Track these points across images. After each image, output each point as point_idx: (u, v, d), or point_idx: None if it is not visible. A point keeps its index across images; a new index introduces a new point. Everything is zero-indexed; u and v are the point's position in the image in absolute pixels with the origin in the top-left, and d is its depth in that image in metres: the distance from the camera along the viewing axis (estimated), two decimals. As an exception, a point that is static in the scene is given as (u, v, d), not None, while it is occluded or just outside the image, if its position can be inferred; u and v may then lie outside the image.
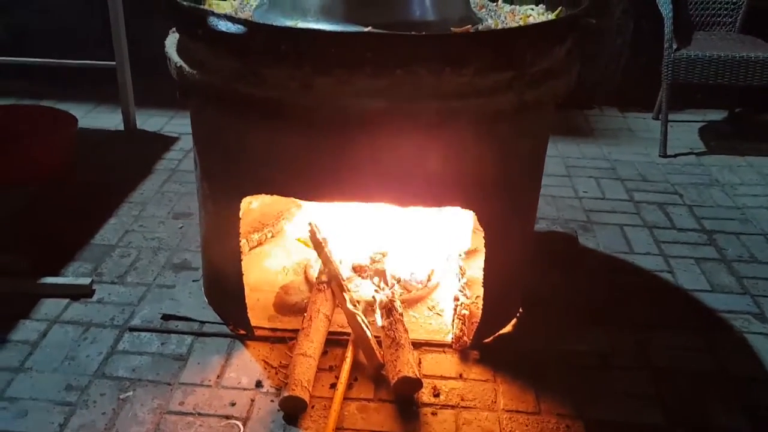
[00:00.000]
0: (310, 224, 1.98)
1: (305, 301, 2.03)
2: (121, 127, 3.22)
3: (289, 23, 1.57)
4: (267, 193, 1.60)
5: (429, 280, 2.06)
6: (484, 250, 1.71)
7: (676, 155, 3.20)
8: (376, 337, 1.81)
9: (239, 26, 1.37)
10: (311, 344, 1.75)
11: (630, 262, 2.35)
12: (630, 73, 3.73)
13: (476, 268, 2.19)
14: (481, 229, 1.70)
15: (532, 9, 1.90)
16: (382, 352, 1.78)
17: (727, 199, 2.80)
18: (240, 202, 1.64)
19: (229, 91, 1.46)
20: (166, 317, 1.94)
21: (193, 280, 2.10)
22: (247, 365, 1.79)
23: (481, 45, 1.38)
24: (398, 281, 1.99)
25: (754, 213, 2.69)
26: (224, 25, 1.38)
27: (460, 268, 2.11)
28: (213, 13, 1.42)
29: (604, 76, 3.72)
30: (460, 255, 2.15)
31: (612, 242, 2.45)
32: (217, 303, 1.94)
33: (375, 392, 1.72)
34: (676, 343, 1.95)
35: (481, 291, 2.05)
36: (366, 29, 1.51)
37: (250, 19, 1.67)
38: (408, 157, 1.49)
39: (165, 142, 3.10)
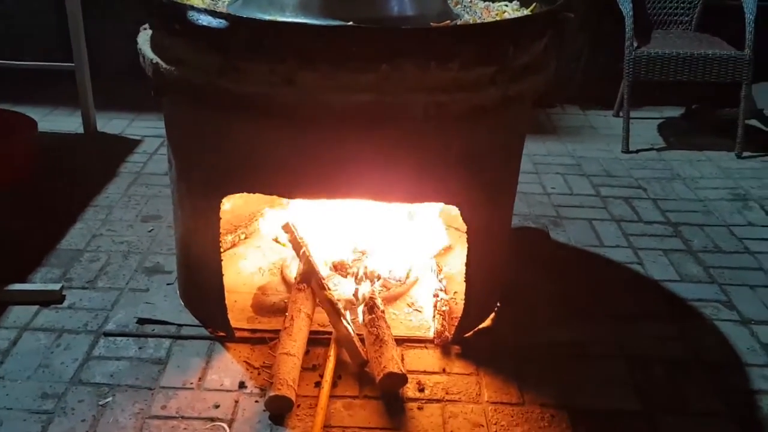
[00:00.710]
0: (287, 224, 1.96)
1: (284, 301, 2.01)
2: (81, 130, 3.14)
3: (267, 18, 1.55)
4: (249, 192, 1.58)
5: (407, 277, 2.06)
6: (464, 246, 1.72)
7: (638, 151, 3.27)
8: (358, 334, 1.80)
9: (221, 20, 1.35)
10: (294, 343, 1.73)
11: (601, 255, 2.39)
12: (590, 72, 3.80)
13: (452, 265, 2.21)
14: (456, 226, 1.72)
15: (506, 5, 1.92)
16: (365, 349, 1.78)
17: (689, 192, 2.87)
18: (220, 201, 1.61)
19: (210, 87, 1.44)
20: (142, 321, 1.89)
21: (168, 284, 2.06)
22: (228, 367, 1.76)
23: (467, 39, 1.39)
24: (378, 278, 1.98)
25: (716, 205, 2.77)
26: (205, 20, 1.36)
27: (437, 265, 2.12)
28: (192, 8, 1.39)
29: (566, 75, 3.78)
30: (436, 252, 2.16)
31: (582, 236, 2.49)
32: (195, 306, 1.91)
33: (360, 389, 1.72)
34: (651, 333, 1.99)
35: (458, 287, 2.08)
36: (347, 24, 1.50)
37: (221, 9, 1.65)
38: (393, 153, 1.49)
39: (128, 145, 3.04)
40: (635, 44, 3.13)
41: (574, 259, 2.36)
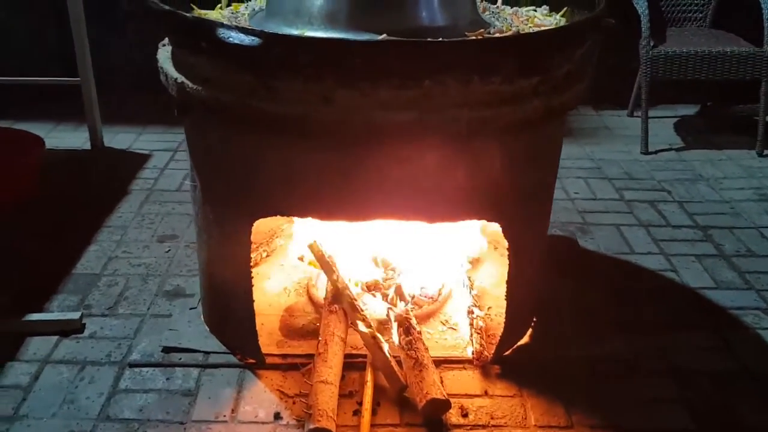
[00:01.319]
0: (313, 243, 1.89)
1: (313, 323, 1.94)
2: (88, 146, 3.06)
3: (295, 32, 1.48)
4: (283, 215, 1.51)
5: (439, 293, 1.99)
6: (493, 257, 1.65)
7: (657, 151, 3.21)
8: (394, 357, 1.73)
9: (253, 38, 1.27)
10: (330, 370, 1.65)
11: (633, 262, 2.32)
12: (602, 71, 3.73)
13: (483, 278, 2.13)
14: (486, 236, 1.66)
15: (535, 10, 1.85)
16: (403, 373, 1.71)
17: (714, 194, 2.81)
18: (251, 225, 1.53)
19: (241, 107, 1.36)
20: (168, 350, 1.81)
21: (191, 308, 1.98)
22: (262, 396, 1.68)
23: (511, 50, 1.32)
24: (411, 297, 1.91)
25: (743, 206, 2.71)
26: (237, 37, 1.28)
27: (469, 280, 2.05)
28: (222, 25, 1.32)
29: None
30: (467, 266, 2.09)
31: (611, 243, 2.43)
32: (222, 331, 1.83)
33: (401, 416, 1.64)
34: (695, 344, 1.92)
35: (491, 301, 2.02)
36: (380, 37, 1.43)
37: (245, 22, 1.58)
38: (436, 171, 1.42)
39: (136, 160, 2.95)
40: (652, 43, 3.07)
41: (605, 267, 2.29)
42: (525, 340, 1.91)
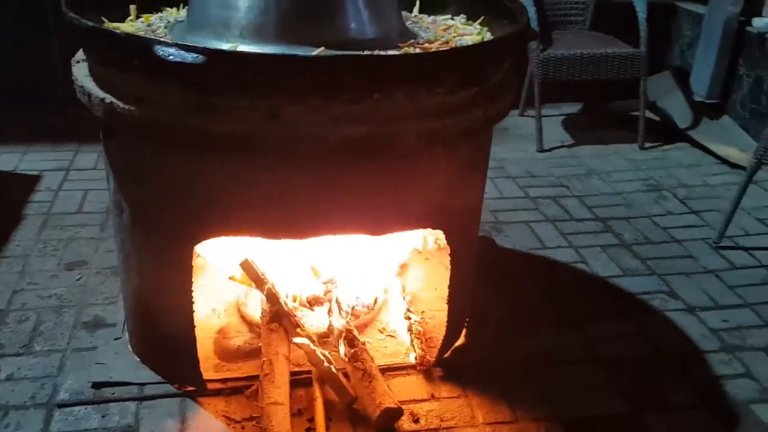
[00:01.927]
0: (246, 260, 1.84)
1: (249, 343, 1.89)
2: (-34, 171, 2.82)
3: (226, 46, 1.44)
4: (226, 236, 1.46)
5: (375, 302, 2.00)
6: (419, 262, 1.68)
7: (551, 149, 3.37)
8: (339, 370, 1.72)
9: (196, 55, 1.22)
10: (279, 390, 1.62)
11: (547, 257, 2.43)
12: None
13: (410, 283, 2.16)
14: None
15: (452, 19, 1.89)
16: (352, 386, 1.70)
17: (606, 187, 3.00)
18: (193, 249, 1.47)
19: (181, 127, 1.31)
20: (98, 385, 1.71)
21: (115, 338, 1.87)
22: (208, 425, 1.62)
23: (455, 62, 1.35)
24: (350, 308, 1.90)
25: (634, 197, 2.90)
26: (178, 55, 1.22)
27: (402, 286, 2.07)
28: (160, 42, 1.26)
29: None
30: (397, 272, 2.11)
31: (525, 240, 2.53)
32: (157, 360, 1.75)
33: (354, 429, 1.64)
34: (613, 332, 2.04)
35: (423, 305, 2.05)
36: (318, 50, 1.42)
37: (167, 39, 1.51)
38: (383, 184, 1.42)
39: (26, 183, 2.74)
40: (541, 47, 3.23)
41: (523, 263, 2.39)
42: (461, 341, 1.96)
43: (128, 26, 1.69)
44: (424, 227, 1.57)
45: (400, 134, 1.33)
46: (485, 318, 2.03)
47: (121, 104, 1.34)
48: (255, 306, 1.96)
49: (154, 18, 1.77)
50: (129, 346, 1.84)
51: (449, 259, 1.66)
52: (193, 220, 1.45)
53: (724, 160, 3.24)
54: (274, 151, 1.31)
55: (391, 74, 1.28)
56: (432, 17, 1.90)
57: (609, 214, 2.75)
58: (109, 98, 1.36)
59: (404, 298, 2.02)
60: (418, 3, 1.96)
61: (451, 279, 1.70)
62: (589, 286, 2.28)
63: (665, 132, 3.55)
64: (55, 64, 3.44)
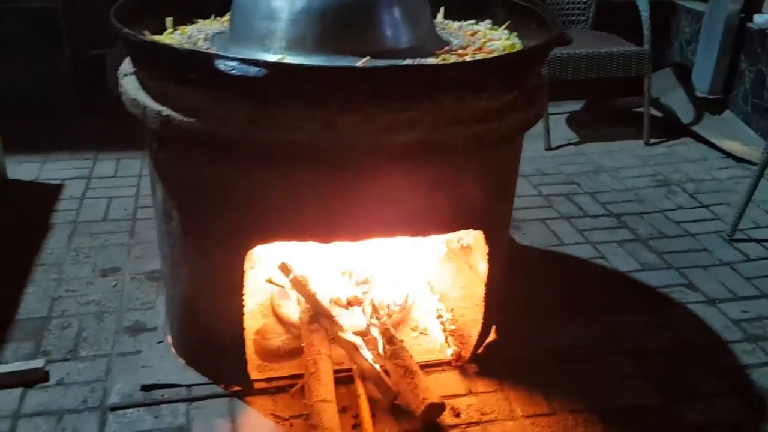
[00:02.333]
0: (283, 264, 1.89)
1: (287, 343, 1.94)
2: (-10, 181, 2.84)
3: (274, 57, 1.49)
4: (281, 241, 1.51)
5: (406, 300, 2.05)
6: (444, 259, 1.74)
7: (558, 147, 3.44)
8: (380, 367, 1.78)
9: (258, 69, 1.27)
10: (326, 388, 1.67)
11: (566, 253, 2.50)
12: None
13: (439, 281, 2.21)
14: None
15: (477, 24, 1.95)
16: (393, 382, 1.75)
17: (617, 183, 3.07)
18: (246, 255, 1.52)
19: (240, 138, 1.36)
20: (148, 387, 1.75)
21: (158, 342, 1.92)
22: (258, 423, 1.67)
23: (499, 69, 1.41)
24: (387, 308, 1.95)
25: (644, 193, 2.98)
26: (241, 69, 1.27)
27: (430, 286, 2.13)
28: (220, 56, 1.31)
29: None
30: (427, 271, 2.17)
31: (542, 237, 2.59)
32: (203, 362, 1.80)
33: (398, 424, 1.69)
34: (638, 324, 2.11)
35: (452, 303, 2.10)
36: (363, 60, 1.47)
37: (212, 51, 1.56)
38: (429, 187, 1.48)
39: (49, 192, 2.77)
40: (548, 46, 3.29)
41: (544, 260, 2.45)
42: (492, 337, 2.02)
43: (168, 38, 1.74)
44: (466, 228, 1.62)
45: (449, 139, 1.39)
46: (513, 314, 2.08)
47: (179, 117, 1.39)
48: (289, 306, 2.01)
49: (190, 29, 1.82)
50: (173, 349, 1.88)
51: (486, 258, 1.72)
52: (247, 227, 1.50)
53: (728, 154, 3.32)
54: (331, 160, 1.36)
55: (441, 82, 1.33)
56: (458, 23, 1.96)
57: (622, 210, 2.82)
58: (166, 111, 1.41)
59: (434, 296, 2.08)
60: (442, 9, 2.02)
61: (488, 277, 1.76)
62: (610, 280, 2.35)
63: (669, 128, 3.62)
64: (68, 74, 3.47)
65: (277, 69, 1.29)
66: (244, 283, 1.57)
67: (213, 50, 1.57)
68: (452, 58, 1.57)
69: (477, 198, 1.58)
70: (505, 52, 1.66)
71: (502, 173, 1.64)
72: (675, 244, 2.57)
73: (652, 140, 3.51)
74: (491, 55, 1.62)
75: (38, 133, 3.29)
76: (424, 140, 1.36)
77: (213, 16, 1.94)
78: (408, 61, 1.51)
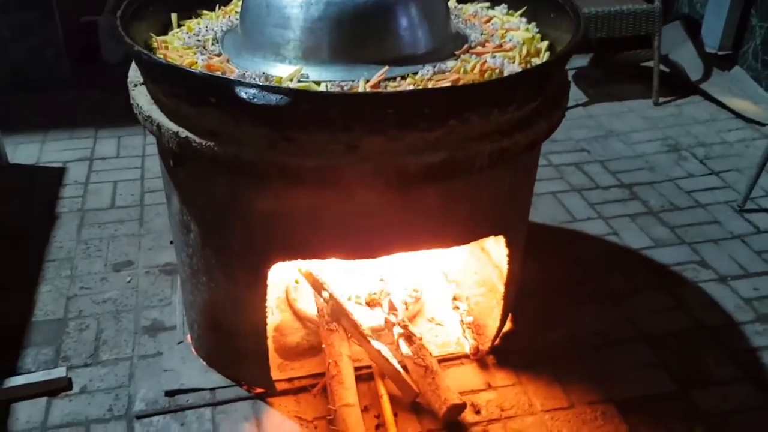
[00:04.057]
0: (300, 267, 1.89)
1: (306, 339, 1.95)
2: (-10, 165, 2.79)
3: (291, 68, 1.44)
4: (303, 259, 1.50)
5: (421, 291, 2.06)
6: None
7: (567, 109, 3.37)
8: (401, 365, 1.79)
9: (281, 96, 1.23)
10: (349, 392, 1.69)
11: (578, 230, 2.49)
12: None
13: (452, 268, 2.21)
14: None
15: (491, 9, 1.89)
16: (413, 381, 1.77)
17: (627, 149, 3.03)
18: (267, 271, 1.51)
19: (258, 161, 1.32)
20: (171, 393, 1.77)
21: (178, 342, 1.92)
22: (282, 426, 1.70)
23: (527, 82, 1.36)
24: (405, 305, 1.96)
25: (655, 160, 2.95)
26: (262, 97, 1.23)
27: (444, 273, 2.12)
28: (240, 83, 1.26)
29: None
30: (439, 259, 2.16)
31: (554, 212, 2.58)
32: (225, 364, 1.81)
33: (420, 423, 1.72)
34: (653, 306, 2.12)
35: (465, 290, 2.10)
36: (383, 70, 1.42)
37: (227, 64, 1.51)
38: (453, 201, 1.46)
39: (52, 177, 2.73)
40: (555, 6, 3.19)
41: (557, 239, 2.44)
42: (508, 326, 2.03)
43: (174, 38, 1.68)
44: (488, 236, 1.61)
45: (475, 156, 1.36)
46: (528, 299, 2.08)
47: (197, 139, 1.35)
48: (305, 300, 2.01)
49: (196, 26, 1.75)
50: (193, 350, 1.89)
51: (506, 260, 1.71)
52: (268, 245, 1.48)
53: (738, 115, 3.27)
54: (353, 182, 1.33)
55: (468, 101, 1.29)
56: (473, 8, 1.89)
57: (633, 180, 2.80)
58: (183, 132, 1.37)
59: (449, 285, 2.08)
60: (456, -7, 1.95)
61: (508, 277, 1.76)
62: (623, 259, 2.35)
63: (677, 85, 3.56)
64: (60, 46, 3.37)
65: (299, 96, 1.24)
66: (267, 298, 1.56)
67: (226, 61, 1.51)
68: (472, 60, 1.52)
69: (498, 206, 1.56)
70: (525, 46, 1.62)
71: (524, 177, 1.61)
72: (686, 217, 2.56)
73: (662, 99, 3.46)
74: (510, 53, 1.56)
75: (34, 107, 3.22)
76: (449, 159, 1.32)
77: (218, 7, 1.87)
78: (428, 68, 1.46)
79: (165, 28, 1.74)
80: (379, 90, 1.34)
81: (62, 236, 2.38)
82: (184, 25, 1.77)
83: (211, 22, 1.78)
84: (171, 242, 2.29)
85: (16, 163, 2.81)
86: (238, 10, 1.82)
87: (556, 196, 2.68)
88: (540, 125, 1.45)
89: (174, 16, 1.76)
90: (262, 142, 1.32)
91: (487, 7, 1.90)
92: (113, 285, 2.15)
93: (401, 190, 1.37)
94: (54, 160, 2.84)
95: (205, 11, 1.85)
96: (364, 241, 1.45)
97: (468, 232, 1.54)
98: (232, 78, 1.32)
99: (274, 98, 1.23)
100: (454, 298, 2.06)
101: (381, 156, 1.31)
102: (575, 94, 3.57)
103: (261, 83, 1.26)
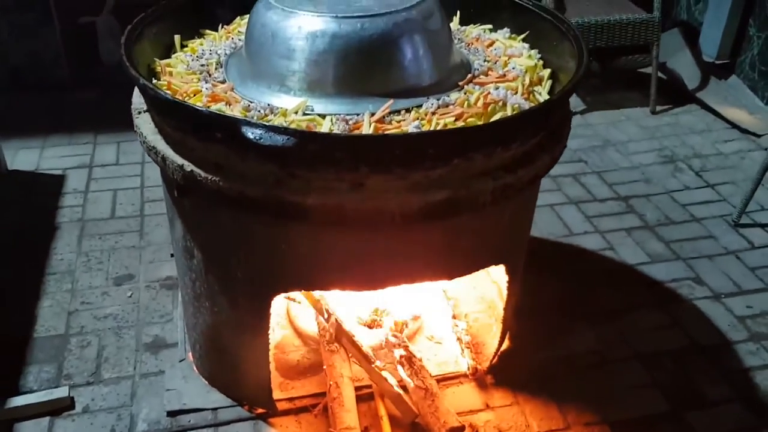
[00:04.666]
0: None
1: (307, 357, 1.98)
2: (-11, 172, 2.79)
3: (297, 100, 1.45)
4: (307, 290, 1.51)
5: (420, 310, 2.08)
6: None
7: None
8: (400, 385, 1.81)
9: (287, 137, 1.24)
10: (350, 414, 1.71)
11: (575, 245, 2.51)
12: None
13: (451, 285, 2.23)
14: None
15: (492, 31, 1.90)
16: (413, 402, 1.80)
17: (624, 160, 3.06)
18: (271, 300, 1.53)
19: (263, 197, 1.33)
20: (173, 413, 1.79)
21: (180, 360, 1.94)
22: (284, 448, 1.73)
23: (532, 121, 1.38)
24: (405, 325, 1.98)
25: (651, 171, 2.97)
26: (269, 138, 1.24)
27: (444, 292, 2.15)
28: (247, 122, 1.27)
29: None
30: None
31: (551, 226, 2.60)
32: (227, 384, 1.83)
33: (420, 445, 1.75)
34: (648, 324, 2.15)
35: (465, 307, 2.12)
36: (388, 103, 1.44)
37: (232, 93, 1.52)
38: (457, 236, 1.47)
39: (51, 185, 2.73)
40: (555, 15, 3.20)
41: (554, 253, 2.47)
42: (505, 344, 2.05)
43: (178, 62, 1.69)
44: (489, 266, 1.63)
45: (478, 194, 1.37)
46: (526, 316, 2.11)
47: (203, 173, 1.36)
48: (305, 317, 2.03)
49: (199, 47, 1.76)
50: (195, 368, 1.91)
51: (506, 286, 1.73)
52: (271, 276, 1.50)
53: (733, 125, 3.30)
54: (358, 219, 1.35)
55: (473, 141, 1.31)
56: (475, 31, 1.89)
57: (629, 192, 2.82)
58: (188, 166, 1.38)
59: (448, 302, 2.11)
60: (458, 14, 1.95)
61: (507, 303, 1.78)
62: (619, 275, 2.37)
63: (674, 93, 3.58)
64: (58, 47, 3.36)
65: (306, 137, 1.25)
66: (270, 325, 1.58)
67: (231, 89, 1.52)
68: (476, 91, 1.53)
69: (500, 237, 1.58)
70: (528, 75, 1.63)
71: (525, 207, 1.63)
72: (682, 231, 2.59)
73: (659, 108, 3.47)
74: (513, 83, 1.58)
75: (33, 109, 3.22)
76: (452, 198, 1.34)
77: (221, 26, 1.87)
78: (432, 100, 1.47)
79: (168, 48, 1.75)
80: (385, 132, 1.35)
81: (63, 248, 2.38)
82: (187, 46, 1.77)
83: (215, 44, 1.78)
84: (171, 255, 2.30)
85: (15, 170, 2.81)
86: (241, 29, 1.85)
87: (554, 209, 2.70)
88: (543, 160, 1.47)
89: (177, 38, 1.76)
90: (268, 179, 1.33)
91: (490, 30, 1.91)
92: (114, 300, 2.16)
93: (405, 227, 1.39)
94: (53, 167, 2.84)
95: (207, 30, 1.85)
96: (367, 274, 1.47)
97: (470, 264, 1.55)
98: (239, 118, 1.32)
99: (280, 139, 1.24)
100: (454, 316, 2.08)
101: (385, 194, 1.32)
102: (573, 101, 3.56)
103: (267, 124, 1.27)
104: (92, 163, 2.87)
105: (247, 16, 1.85)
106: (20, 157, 2.89)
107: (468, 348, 1.97)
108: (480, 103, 1.48)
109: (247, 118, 1.34)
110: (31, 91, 3.32)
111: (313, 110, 1.44)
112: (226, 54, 1.70)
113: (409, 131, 1.36)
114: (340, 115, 1.42)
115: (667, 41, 3.71)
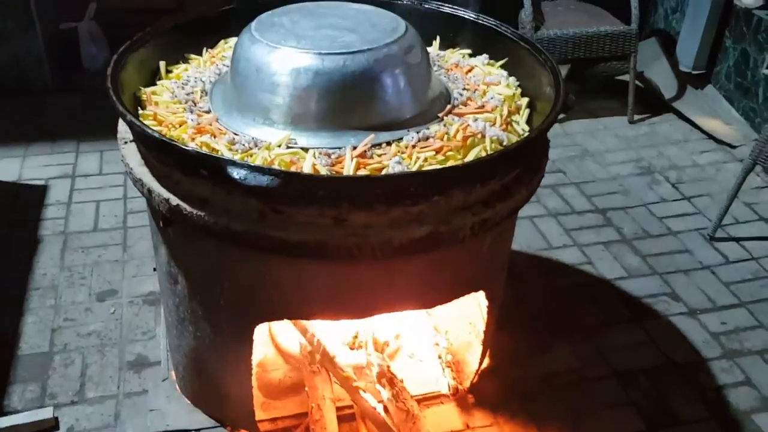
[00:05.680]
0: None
1: (289, 375, 2.00)
2: (-30, 182, 2.78)
3: (281, 133, 1.46)
4: (290, 319, 1.54)
5: (402, 329, 2.11)
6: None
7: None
8: (381, 405, 1.85)
9: (272, 177, 1.26)
10: (332, 436, 1.75)
11: (553, 259, 2.56)
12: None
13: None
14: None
15: (471, 56, 1.92)
16: (395, 424, 1.83)
17: (602, 171, 3.10)
18: (254, 328, 1.55)
19: (247, 232, 1.36)
20: (157, 435, 1.81)
21: (163, 380, 1.96)
22: (267, 470, 1.75)
23: (509, 158, 1.41)
24: (386, 345, 2.01)
25: (629, 183, 3.02)
26: (254, 178, 1.26)
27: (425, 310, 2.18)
28: (233, 162, 1.29)
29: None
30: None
31: (530, 239, 2.64)
32: (209, 404, 1.85)
33: (400, 466, 1.78)
34: (625, 341, 2.20)
35: (446, 324, 2.15)
36: (369, 137, 1.46)
37: (216, 124, 1.53)
38: (436, 268, 1.51)
39: (33, 196, 2.72)
40: (533, 25, 3.24)
41: (533, 267, 2.51)
42: (486, 362, 2.09)
43: (164, 89, 1.69)
44: (468, 293, 1.66)
45: (458, 228, 1.40)
46: (505, 332, 2.14)
47: (188, 207, 1.38)
48: (287, 335, 2.05)
49: (184, 74, 1.76)
50: (177, 388, 1.93)
51: (486, 310, 1.77)
52: (255, 305, 1.52)
53: (709, 136, 3.36)
54: (340, 254, 1.37)
55: (453, 180, 1.34)
56: (455, 57, 1.92)
57: (607, 204, 2.87)
58: (174, 200, 1.39)
59: (429, 319, 2.14)
60: (438, 39, 1.97)
61: (487, 326, 1.82)
62: (597, 290, 2.42)
63: (652, 102, 3.63)
64: (40, 53, 3.34)
65: (290, 177, 1.28)
66: (253, 351, 1.61)
67: (215, 120, 1.53)
68: (455, 123, 1.56)
69: (479, 267, 1.61)
70: (506, 105, 1.67)
71: (503, 239, 1.67)
72: (658, 245, 2.64)
73: (636, 117, 3.53)
74: (491, 114, 1.61)
75: (15, 115, 3.21)
76: (433, 233, 1.37)
77: (205, 50, 1.88)
78: (412, 134, 1.50)
79: (153, 74, 1.76)
80: (366, 167, 1.37)
81: (45, 262, 2.39)
82: (172, 72, 1.78)
83: (199, 70, 1.79)
84: (154, 269, 2.31)
85: (-3, 180, 2.81)
86: (225, 54, 1.86)
87: (533, 221, 2.75)
88: (520, 193, 1.50)
89: (162, 65, 1.77)
90: (252, 214, 1.35)
91: (469, 55, 1.93)
92: (97, 316, 2.17)
93: (387, 262, 1.42)
94: (35, 177, 2.84)
95: (192, 55, 1.85)
96: (349, 304, 1.50)
97: (449, 293, 1.59)
98: (224, 158, 1.34)
99: (265, 179, 1.27)
100: (435, 334, 2.11)
101: (367, 229, 1.35)
102: (553, 110, 3.61)
103: (252, 164, 1.29)
104: (75, 173, 2.86)
105: (231, 39, 1.88)
106: (2, 166, 2.88)
107: (449, 367, 2.01)
108: (459, 136, 1.50)
109: (233, 158, 1.36)
110: (14, 97, 3.30)
111: (296, 143, 1.46)
112: (210, 81, 1.72)
113: (390, 166, 1.39)
114: (322, 149, 1.44)
115: (644, 50, 3.77)
